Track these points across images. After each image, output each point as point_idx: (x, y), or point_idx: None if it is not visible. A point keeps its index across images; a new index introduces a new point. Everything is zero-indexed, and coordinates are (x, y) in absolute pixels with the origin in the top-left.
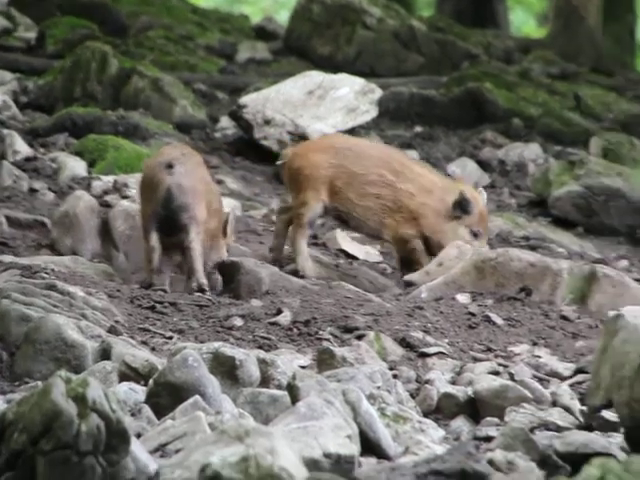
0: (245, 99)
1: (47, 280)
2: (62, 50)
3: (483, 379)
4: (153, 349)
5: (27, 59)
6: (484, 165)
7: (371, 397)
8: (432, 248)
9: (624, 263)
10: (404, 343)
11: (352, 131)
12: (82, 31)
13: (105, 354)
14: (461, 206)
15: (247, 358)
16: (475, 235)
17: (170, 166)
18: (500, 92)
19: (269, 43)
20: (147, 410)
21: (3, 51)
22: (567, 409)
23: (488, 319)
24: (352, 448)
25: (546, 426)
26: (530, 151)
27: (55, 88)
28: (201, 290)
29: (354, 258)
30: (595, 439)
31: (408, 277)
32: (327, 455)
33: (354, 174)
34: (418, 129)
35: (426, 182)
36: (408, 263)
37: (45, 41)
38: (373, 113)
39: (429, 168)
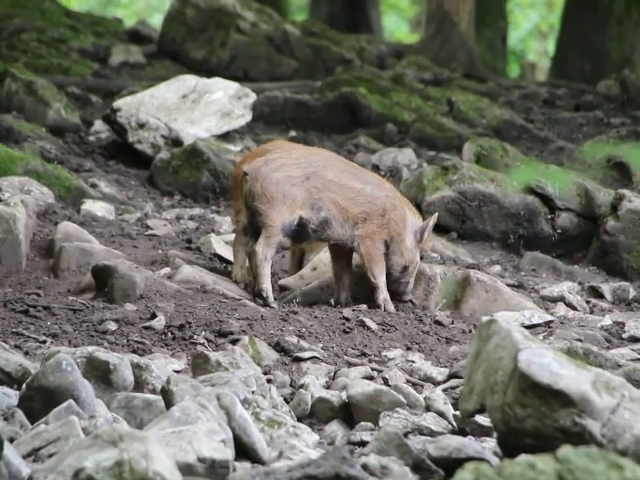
0: (119, 103)
1: None
2: None
3: (357, 384)
4: (26, 353)
5: None
6: None
7: (245, 402)
8: None
9: (497, 268)
10: (278, 348)
11: (227, 135)
12: None
13: None
14: None
15: (121, 362)
16: None
17: (245, 174)
18: (374, 97)
19: (143, 47)
20: (20, 414)
21: None
22: (441, 414)
23: (362, 324)
24: (226, 452)
25: (420, 431)
26: (404, 156)
27: None
28: (259, 296)
29: (228, 262)
30: (468, 444)
31: (283, 281)
32: (201, 460)
33: None
34: (293, 133)
35: None
36: None
37: None
38: (248, 117)
39: None
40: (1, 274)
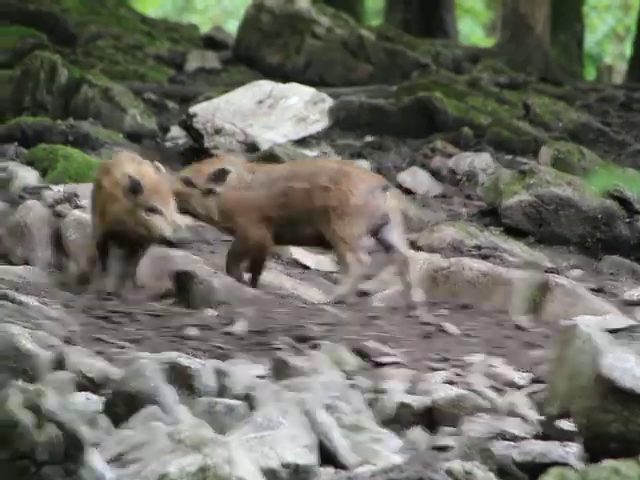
0: (195, 108)
1: (0, 290)
2: (11, 59)
3: (440, 389)
4: (109, 359)
5: None
6: (435, 174)
7: (328, 407)
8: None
9: (577, 272)
10: (360, 353)
11: (303, 140)
12: (31, 40)
13: (61, 364)
14: (132, 190)
15: (203, 368)
16: (153, 211)
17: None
18: (450, 101)
19: (218, 52)
20: (104, 420)
21: None
22: (524, 419)
23: (443, 329)
24: (309, 458)
25: (503, 436)
26: (480, 160)
27: (4, 98)
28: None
29: (306, 267)
30: (552, 448)
31: (362, 286)
32: (285, 465)
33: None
34: (369, 138)
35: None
36: None
37: None
38: (323, 122)
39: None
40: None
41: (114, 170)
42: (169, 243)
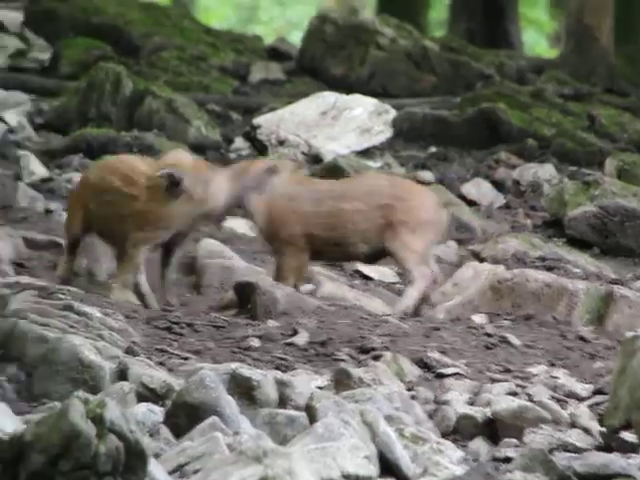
0: (259, 120)
1: (64, 301)
2: (76, 71)
3: (501, 400)
4: (170, 370)
5: (41, 80)
6: (499, 185)
7: (389, 418)
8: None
9: None
10: (421, 364)
11: (367, 151)
12: (96, 52)
13: (122, 375)
14: (174, 184)
15: (264, 379)
16: (206, 183)
17: None
18: (514, 112)
19: (282, 64)
20: (165, 431)
21: (17, 72)
22: (586, 430)
23: (505, 340)
24: (370, 469)
25: (565, 447)
26: (544, 171)
27: (70, 109)
28: None
29: (369, 279)
30: (615, 460)
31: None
32: (346, 476)
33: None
34: (432, 149)
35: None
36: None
37: (59, 62)
38: (387, 133)
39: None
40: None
41: (142, 179)
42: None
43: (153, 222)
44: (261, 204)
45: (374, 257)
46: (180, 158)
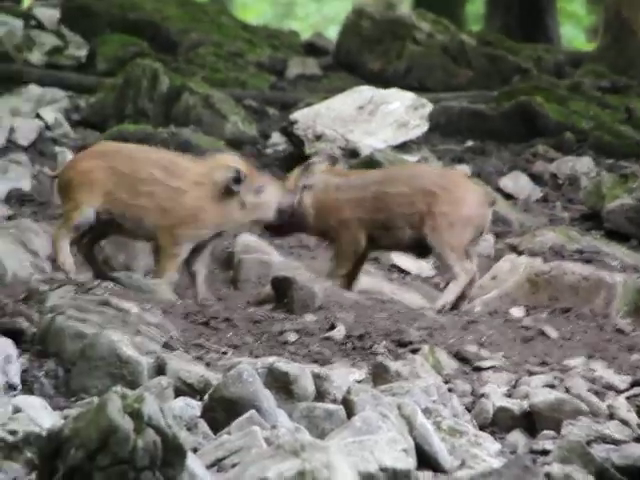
0: (296, 115)
1: (101, 296)
2: (113, 67)
3: (539, 392)
4: (208, 364)
5: (78, 77)
6: (536, 179)
7: (426, 411)
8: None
9: None
10: (459, 357)
11: (403, 145)
12: (132, 48)
13: (160, 370)
14: (235, 180)
15: (302, 373)
16: (259, 192)
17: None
18: (551, 106)
19: (319, 59)
20: (203, 425)
21: (54, 69)
22: (624, 422)
23: (542, 332)
24: (408, 462)
25: (603, 439)
26: (582, 164)
27: (106, 105)
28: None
29: (407, 273)
30: None
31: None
32: (383, 469)
33: (124, 175)
34: (469, 143)
35: (193, 175)
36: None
37: (95, 59)
38: (424, 128)
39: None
40: (183, 285)
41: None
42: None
43: (202, 220)
44: (309, 200)
45: (422, 247)
46: (232, 161)
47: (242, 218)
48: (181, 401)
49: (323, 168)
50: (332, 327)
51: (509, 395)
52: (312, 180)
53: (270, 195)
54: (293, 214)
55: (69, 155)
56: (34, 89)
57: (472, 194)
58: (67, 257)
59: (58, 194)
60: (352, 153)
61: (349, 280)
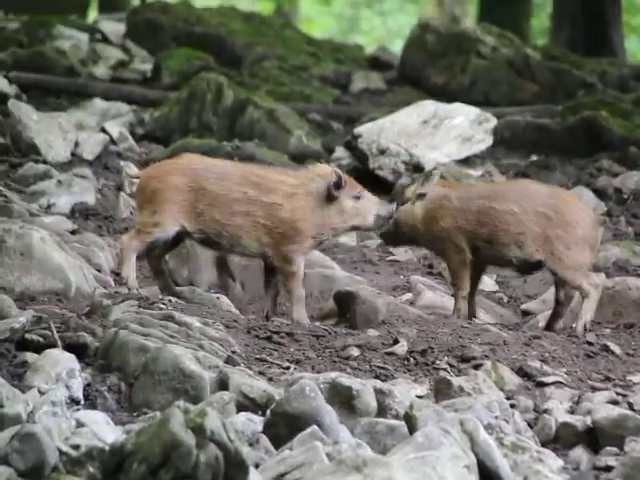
0: (360, 129)
1: (164, 311)
2: (177, 81)
3: (602, 408)
4: (270, 379)
5: (143, 91)
6: (600, 193)
7: (489, 427)
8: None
9: None
10: (521, 372)
11: (467, 160)
12: (197, 62)
13: (223, 384)
14: (337, 185)
15: (364, 388)
16: (358, 198)
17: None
18: (616, 120)
19: (383, 73)
20: (265, 440)
21: (119, 83)
22: None
23: (606, 348)
24: (470, 478)
25: None
26: None
27: (171, 119)
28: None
29: None
30: None
31: (525, 306)
32: None
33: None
34: (534, 158)
35: (287, 187)
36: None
37: (161, 73)
38: (488, 142)
39: (286, 171)
40: (245, 301)
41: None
42: (385, 220)
43: (304, 230)
44: (420, 209)
45: (528, 267)
46: (328, 169)
47: (342, 224)
48: (243, 416)
49: (438, 179)
50: (395, 342)
51: (572, 411)
52: (426, 189)
53: (368, 202)
54: (403, 224)
55: (134, 169)
56: (99, 103)
57: (585, 215)
58: (132, 271)
59: (136, 199)
60: (416, 167)
61: (470, 300)
